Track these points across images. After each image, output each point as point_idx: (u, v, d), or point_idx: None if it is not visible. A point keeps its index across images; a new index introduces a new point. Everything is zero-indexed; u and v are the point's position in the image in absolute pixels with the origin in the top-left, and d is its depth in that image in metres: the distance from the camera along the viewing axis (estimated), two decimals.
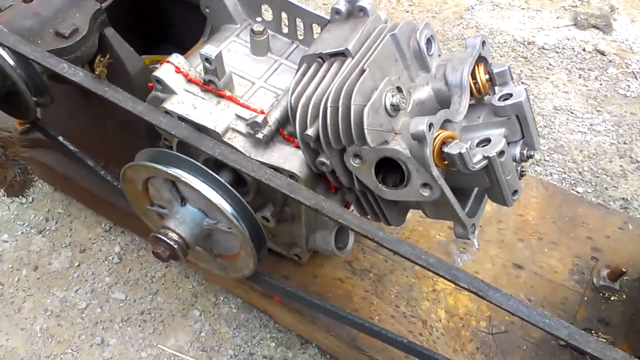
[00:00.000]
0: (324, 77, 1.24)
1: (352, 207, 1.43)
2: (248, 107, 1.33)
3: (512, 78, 1.21)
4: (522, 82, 2.63)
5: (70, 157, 1.63)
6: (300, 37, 1.51)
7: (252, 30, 1.44)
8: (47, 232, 2.13)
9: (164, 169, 1.26)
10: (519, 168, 1.20)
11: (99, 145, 1.74)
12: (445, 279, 1.04)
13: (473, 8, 2.98)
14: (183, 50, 1.50)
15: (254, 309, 1.93)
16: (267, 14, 1.52)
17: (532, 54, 2.76)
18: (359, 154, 1.16)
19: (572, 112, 2.53)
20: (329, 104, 1.16)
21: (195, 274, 2.02)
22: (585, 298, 1.68)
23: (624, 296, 1.67)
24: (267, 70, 1.44)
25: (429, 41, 1.23)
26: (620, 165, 2.35)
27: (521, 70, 2.68)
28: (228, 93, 1.34)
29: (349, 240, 1.55)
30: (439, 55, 1.27)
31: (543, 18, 2.93)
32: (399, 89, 1.14)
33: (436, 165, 1.10)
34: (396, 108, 1.13)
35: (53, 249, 2.10)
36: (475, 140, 1.13)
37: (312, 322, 1.66)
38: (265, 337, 1.91)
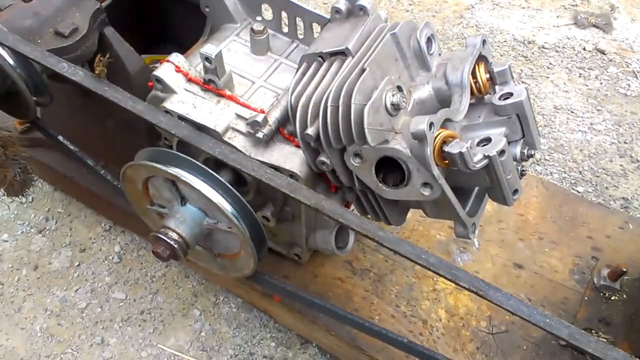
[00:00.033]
0: (324, 76, 1.24)
1: (352, 207, 1.43)
2: (248, 107, 1.33)
3: (512, 77, 1.21)
4: (523, 82, 2.63)
5: (70, 156, 1.63)
6: (301, 37, 1.50)
7: (252, 29, 1.44)
8: (47, 232, 2.13)
9: (164, 168, 1.26)
10: (519, 167, 1.20)
11: (98, 144, 1.74)
12: (446, 278, 1.04)
13: (473, 7, 2.97)
14: (183, 49, 1.50)
15: (254, 309, 1.93)
16: (267, 13, 1.52)
17: (533, 53, 2.76)
18: (359, 153, 1.16)
19: (572, 112, 2.53)
20: (329, 103, 1.16)
21: (195, 274, 2.02)
22: (586, 298, 1.68)
23: (625, 296, 1.67)
24: (267, 70, 1.44)
25: (429, 40, 1.23)
26: (621, 165, 2.35)
27: (521, 70, 2.68)
28: (228, 92, 1.34)
29: (349, 240, 1.55)
30: (439, 55, 1.27)
31: (543, 17, 2.92)
32: (400, 88, 1.14)
33: (437, 165, 1.10)
34: (396, 107, 1.13)
35: (53, 249, 2.10)
36: (476, 139, 1.13)
37: (312, 321, 1.66)
38: (266, 337, 1.90)
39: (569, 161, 2.37)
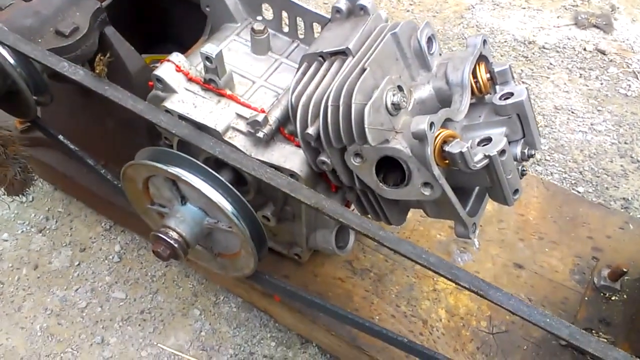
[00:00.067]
0: (324, 76, 1.24)
1: (352, 206, 1.43)
2: (248, 106, 1.33)
3: (513, 77, 1.21)
4: (523, 82, 2.63)
5: (70, 156, 1.63)
6: (301, 36, 1.50)
7: (252, 29, 1.44)
8: (48, 231, 2.13)
9: (165, 167, 1.26)
10: (519, 167, 1.20)
11: (99, 144, 1.74)
12: (446, 278, 1.04)
13: (474, 7, 2.97)
14: (183, 49, 1.50)
15: (254, 308, 1.93)
16: (268, 12, 1.52)
17: (533, 54, 2.76)
18: (359, 153, 1.16)
19: (572, 112, 2.53)
20: (329, 103, 1.16)
21: (195, 273, 2.02)
22: (586, 298, 1.68)
23: (625, 296, 1.67)
24: (267, 69, 1.44)
25: (429, 40, 1.23)
26: (621, 165, 2.35)
27: (522, 70, 2.68)
28: (228, 92, 1.34)
29: (350, 240, 1.55)
30: (440, 55, 1.26)
31: (544, 17, 2.92)
32: (400, 88, 1.14)
33: (437, 165, 1.09)
34: (397, 107, 1.13)
35: (53, 248, 2.10)
36: (476, 139, 1.13)
37: (312, 321, 1.66)
38: (266, 337, 1.90)
39: (570, 161, 2.37)
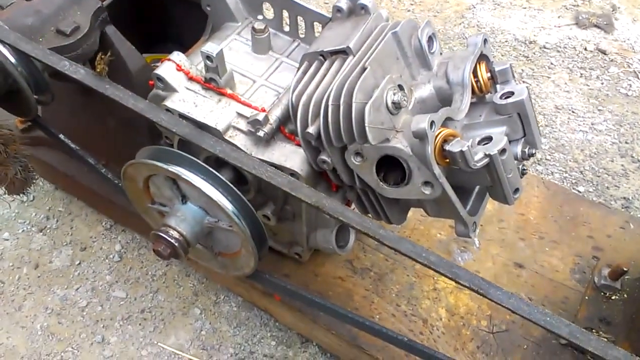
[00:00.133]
0: (325, 75, 1.24)
1: (353, 206, 1.43)
2: (249, 105, 1.33)
3: (513, 76, 1.21)
4: (524, 82, 2.63)
5: (71, 155, 1.63)
6: (302, 35, 1.50)
7: (253, 28, 1.44)
8: (48, 230, 2.14)
9: (165, 166, 1.26)
10: (520, 166, 1.20)
11: (100, 143, 1.74)
12: (447, 277, 1.04)
13: (474, 7, 2.97)
14: (184, 48, 1.50)
15: (254, 308, 1.93)
16: (269, 12, 1.52)
17: (534, 53, 2.76)
18: (360, 152, 1.16)
19: (573, 111, 2.53)
20: (330, 102, 1.16)
21: (195, 273, 2.02)
22: (587, 297, 1.68)
23: (625, 295, 1.67)
24: (268, 69, 1.44)
25: (430, 39, 1.23)
26: (622, 165, 2.35)
27: (522, 70, 2.68)
28: (229, 91, 1.34)
29: (350, 239, 1.55)
30: (440, 54, 1.26)
31: (544, 17, 2.92)
32: (401, 87, 1.14)
33: (437, 163, 1.10)
34: (397, 106, 1.13)
35: (54, 247, 2.10)
36: (477, 138, 1.13)
37: (312, 320, 1.66)
38: (266, 336, 1.91)
39: (570, 161, 2.37)
